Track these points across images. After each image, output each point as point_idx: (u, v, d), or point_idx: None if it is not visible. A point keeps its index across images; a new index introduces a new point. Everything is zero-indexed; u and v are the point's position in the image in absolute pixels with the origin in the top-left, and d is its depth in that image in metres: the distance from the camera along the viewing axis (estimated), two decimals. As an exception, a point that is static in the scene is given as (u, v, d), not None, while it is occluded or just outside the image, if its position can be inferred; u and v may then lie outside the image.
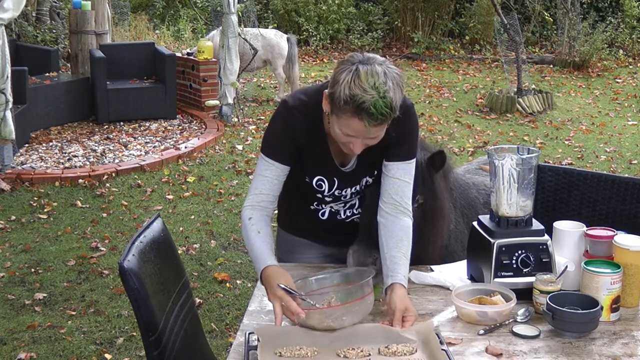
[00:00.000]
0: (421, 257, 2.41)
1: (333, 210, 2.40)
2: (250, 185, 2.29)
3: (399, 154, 2.23)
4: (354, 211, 2.41)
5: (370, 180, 2.33)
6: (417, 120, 2.28)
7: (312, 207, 2.40)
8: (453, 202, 2.71)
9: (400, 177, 2.23)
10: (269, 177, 2.23)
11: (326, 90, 2.06)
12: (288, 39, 9.04)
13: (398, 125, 2.12)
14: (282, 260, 2.39)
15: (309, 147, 2.23)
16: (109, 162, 6.55)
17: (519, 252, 2.14)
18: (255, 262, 2.14)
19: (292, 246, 2.52)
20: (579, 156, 7.26)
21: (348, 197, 2.36)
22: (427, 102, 9.39)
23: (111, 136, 7.42)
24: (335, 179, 2.29)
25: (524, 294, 2.10)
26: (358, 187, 2.34)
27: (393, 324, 1.97)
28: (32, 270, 4.51)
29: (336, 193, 2.33)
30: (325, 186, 2.31)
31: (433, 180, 2.50)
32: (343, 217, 2.41)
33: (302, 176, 2.30)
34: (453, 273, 2.33)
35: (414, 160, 2.26)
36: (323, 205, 2.38)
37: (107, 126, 7.79)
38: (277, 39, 8.95)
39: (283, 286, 1.98)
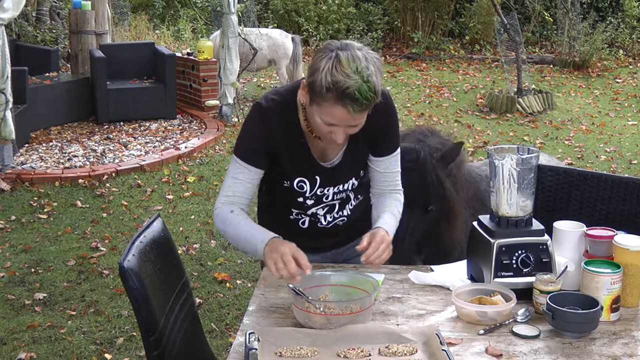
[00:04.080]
0: (448, 250, 2.57)
1: (313, 219, 2.34)
2: (222, 185, 2.26)
3: (386, 148, 2.27)
4: (335, 215, 2.35)
5: (356, 183, 2.31)
6: (396, 108, 2.30)
7: (291, 217, 2.34)
8: (465, 195, 2.76)
9: (391, 170, 2.30)
10: (242, 180, 2.20)
11: (304, 80, 2.03)
12: (293, 39, 9.08)
13: (381, 116, 2.14)
14: None
15: (287, 147, 2.19)
16: (109, 162, 6.55)
17: (519, 252, 2.14)
18: (253, 239, 2.12)
19: None
20: (579, 156, 7.26)
21: (330, 197, 2.30)
22: (427, 102, 9.40)
23: (111, 136, 7.42)
24: (316, 177, 2.25)
25: (524, 294, 2.09)
26: (341, 187, 2.29)
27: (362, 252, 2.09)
28: (32, 270, 4.51)
29: (318, 192, 2.27)
30: (307, 187, 2.25)
31: (443, 185, 2.54)
32: (324, 223, 2.35)
33: (281, 181, 2.25)
34: (453, 273, 2.33)
35: (399, 149, 2.31)
36: (302, 215, 2.33)
37: (107, 126, 7.79)
38: (282, 39, 9.00)
39: (292, 287, 2.00)
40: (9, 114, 5.97)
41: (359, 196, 2.37)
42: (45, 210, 5.48)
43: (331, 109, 1.97)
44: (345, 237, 2.41)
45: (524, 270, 2.13)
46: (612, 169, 6.84)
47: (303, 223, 2.35)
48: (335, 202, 2.33)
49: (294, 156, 2.21)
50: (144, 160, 6.53)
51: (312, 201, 2.29)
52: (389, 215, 2.24)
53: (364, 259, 2.09)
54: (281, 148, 2.19)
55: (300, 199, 2.28)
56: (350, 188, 2.31)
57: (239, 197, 2.21)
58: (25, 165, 6.37)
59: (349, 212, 2.37)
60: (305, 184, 2.25)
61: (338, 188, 2.29)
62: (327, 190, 2.28)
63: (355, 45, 1.98)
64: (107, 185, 6.00)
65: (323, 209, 2.33)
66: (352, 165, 2.28)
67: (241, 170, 2.20)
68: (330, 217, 2.35)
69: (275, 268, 2.00)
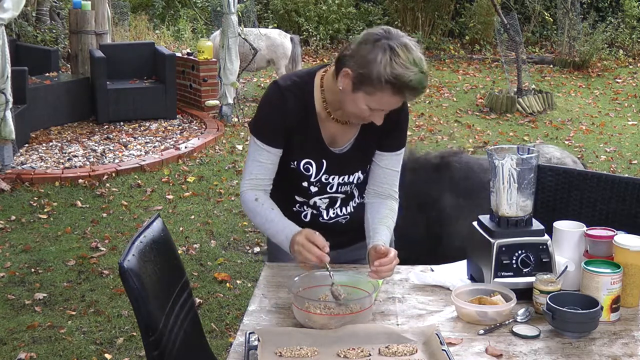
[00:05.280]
0: None
1: (315, 211, 2.35)
2: (244, 168, 2.28)
3: (392, 144, 2.30)
4: (337, 211, 2.36)
5: (362, 177, 2.33)
6: (408, 108, 2.33)
7: (294, 209, 2.35)
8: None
9: (392, 168, 2.32)
10: (263, 162, 2.23)
11: (347, 69, 2.02)
12: (291, 39, 9.09)
13: (397, 112, 2.15)
14: (277, 259, 2.37)
15: (299, 127, 2.21)
16: (109, 162, 6.55)
17: (519, 252, 2.14)
18: (280, 234, 2.18)
19: (278, 252, 2.40)
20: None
21: (334, 188, 2.31)
22: (427, 102, 9.39)
23: (111, 136, 7.42)
24: (323, 160, 2.26)
25: (524, 294, 2.09)
26: (347, 179, 2.31)
27: (374, 265, 2.08)
28: (32, 270, 4.51)
29: (323, 179, 2.28)
30: (313, 170, 2.26)
31: None
32: (326, 218, 2.36)
33: (288, 162, 2.27)
34: (453, 273, 2.33)
35: (404, 149, 2.33)
36: (305, 207, 2.35)
37: (107, 126, 7.80)
38: (281, 39, 9.01)
39: (326, 268, 2.06)
40: (9, 114, 5.97)
41: (364, 195, 2.38)
42: (45, 210, 5.48)
43: (386, 98, 2.01)
44: (348, 238, 2.41)
45: (524, 270, 2.13)
46: (612, 169, 6.84)
47: (305, 216, 2.36)
48: (338, 195, 2.33)
49: (305, 137, 2.23)
50: (144, 160, 6.53)
51: (316, 188, 2.30)
52: (386, 233, 2.24)
53: (377, 264, 2.07)
54: (295, 128, 2.21)
55: (305, 184, 2.29)
56: (355, 182, 2.33)
57: (262, 179, 2.26)
58: (25, 165, 6.37)
59: (352, 210, 2.38)
60: (312, 167, 2.26)
61: (343, 179, 2.30)
62: (332, 179, 2.29)
63: (399, 33, 2.01)
64: (107, 185, 6.00)
65: (324, 201, 2.33)
66: (360, 156, 2.29)
67: (261, 152, 2.22)
68: (333, 213, 2.36)
69: (303, 260, 2.07)
